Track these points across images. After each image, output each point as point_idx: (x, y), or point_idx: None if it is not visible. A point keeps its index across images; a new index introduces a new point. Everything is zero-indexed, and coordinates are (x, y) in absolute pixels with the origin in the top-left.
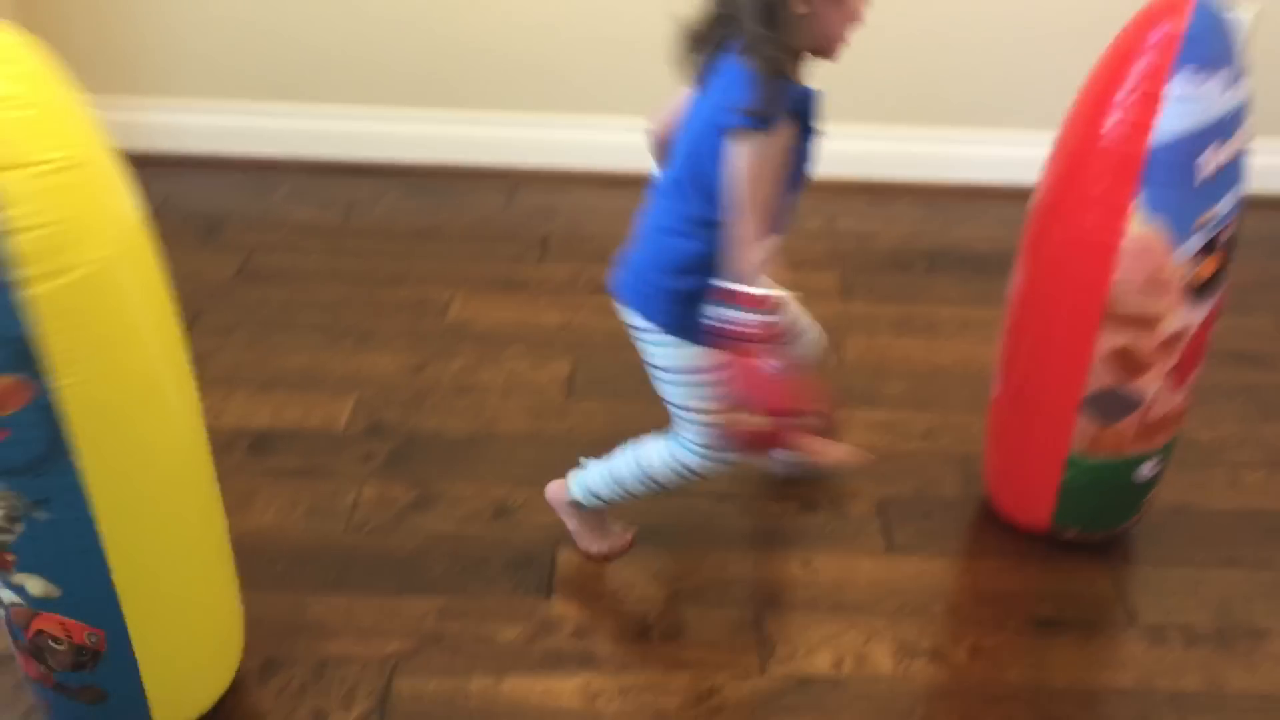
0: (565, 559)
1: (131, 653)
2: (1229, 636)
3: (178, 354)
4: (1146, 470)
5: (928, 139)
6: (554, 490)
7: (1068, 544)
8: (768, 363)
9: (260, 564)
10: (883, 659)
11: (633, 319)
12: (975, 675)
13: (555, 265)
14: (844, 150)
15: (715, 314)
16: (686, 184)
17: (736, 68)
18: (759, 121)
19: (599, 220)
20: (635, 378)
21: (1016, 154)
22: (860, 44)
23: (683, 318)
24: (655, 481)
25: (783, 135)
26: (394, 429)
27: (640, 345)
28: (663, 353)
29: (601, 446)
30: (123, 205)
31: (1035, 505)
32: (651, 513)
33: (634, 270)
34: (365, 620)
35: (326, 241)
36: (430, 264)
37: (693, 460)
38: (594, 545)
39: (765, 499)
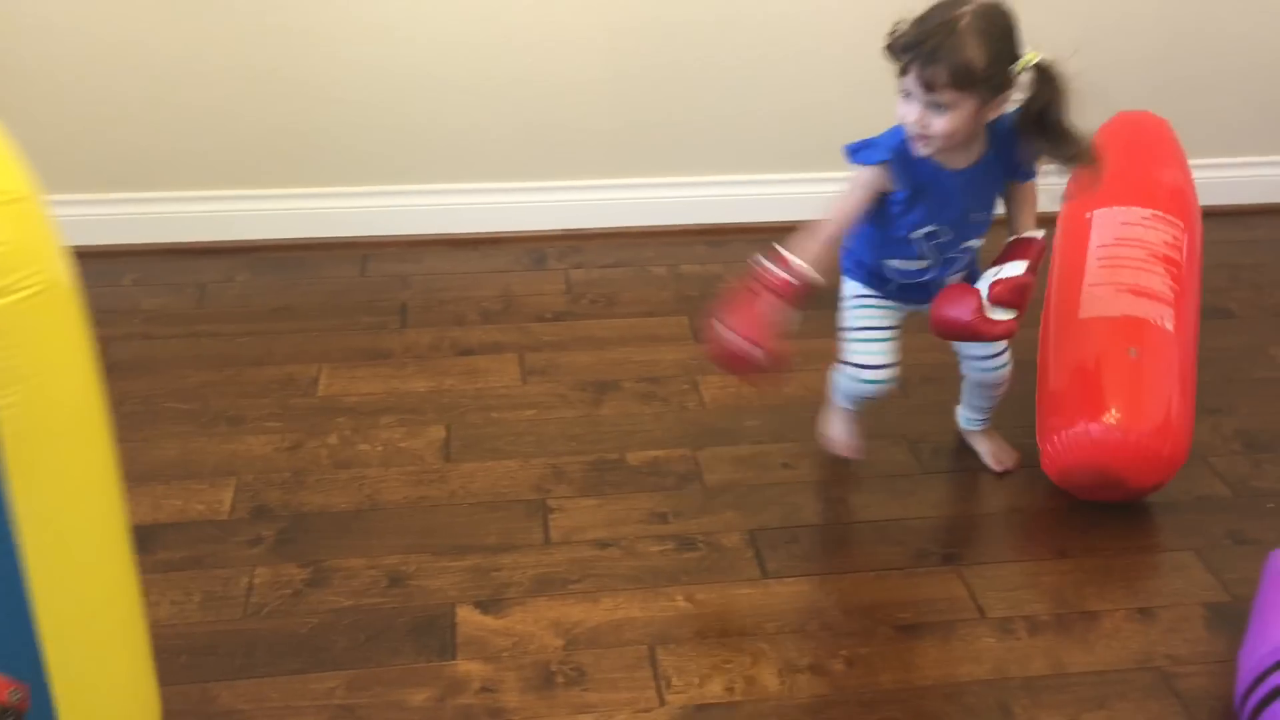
0: (464, 619)
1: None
2: (1066, 621)
3: (101, 395)
4: None
5: (760, 183)
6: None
7: (922, 554)
8: (765, 304)
9: (163, 659)
10: (769, 679)
11: None
12: (852, 684)
13: (417, 331)
14: (684, 198)
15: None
16: None
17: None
18: (852, 152)
19: (454, 283)
20: (509, 434)
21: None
22: (687, 104)
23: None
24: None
25: (869, 173)
26: (278, 510)
27: None
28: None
29: (486, 506)
30: (57, 241)
31: None
32: (542, 563)
33: None
34: (275, 702)
35: (182, 327)
36: (292, 341)
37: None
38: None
39: (646, 540)
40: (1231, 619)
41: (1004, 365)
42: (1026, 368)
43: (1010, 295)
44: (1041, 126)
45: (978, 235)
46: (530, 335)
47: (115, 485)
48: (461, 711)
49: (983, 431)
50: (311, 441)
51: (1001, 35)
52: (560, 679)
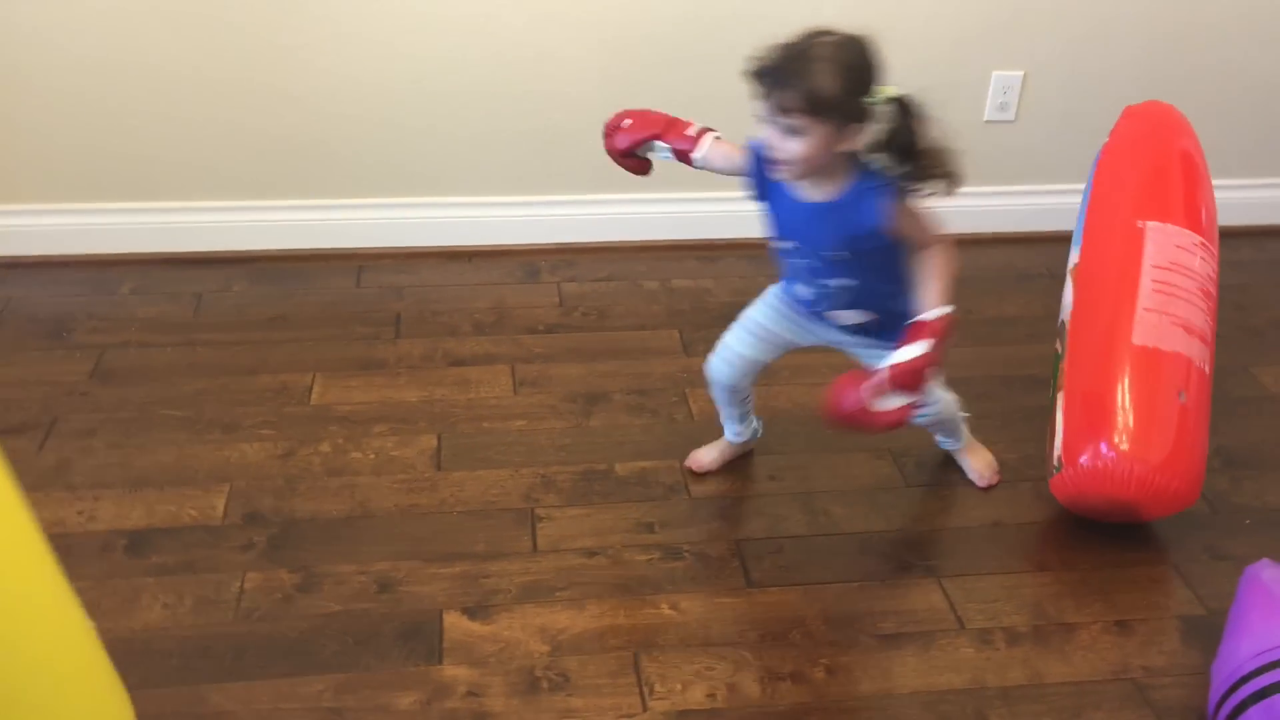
0: (451, 624)
1: None
2: (1044, 633)
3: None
4: None
5: (749, 200)
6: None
7: (903, 565)
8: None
9: (154, 661)
10: (751, 687)
11: None
12: (832, 692)
13: (410, 342)
14: (675, 214)
15: None
16: None
17: None
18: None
19: (448, 295)
20: (500, 444)
21: None
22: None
23: None
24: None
25: (742, 150)
26: (270, 516)
27: None
28: None
29: (475, 515)
30: None
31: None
32: (529, 571)
33: None
34: (264, 704)
35: (179, 335)
36: (286, 350)
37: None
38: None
39: (632, 549)
40: (1206, 632)
41: (928, 415)
42: (1028, 383)
43: (902, 380)
44: (904, 156)
45: (849, 277)
46: (522, 347)
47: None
48: (447, 715)
49: (964, 448)
50: (304, 449)
51: (858, 66)
52: (545, 684)
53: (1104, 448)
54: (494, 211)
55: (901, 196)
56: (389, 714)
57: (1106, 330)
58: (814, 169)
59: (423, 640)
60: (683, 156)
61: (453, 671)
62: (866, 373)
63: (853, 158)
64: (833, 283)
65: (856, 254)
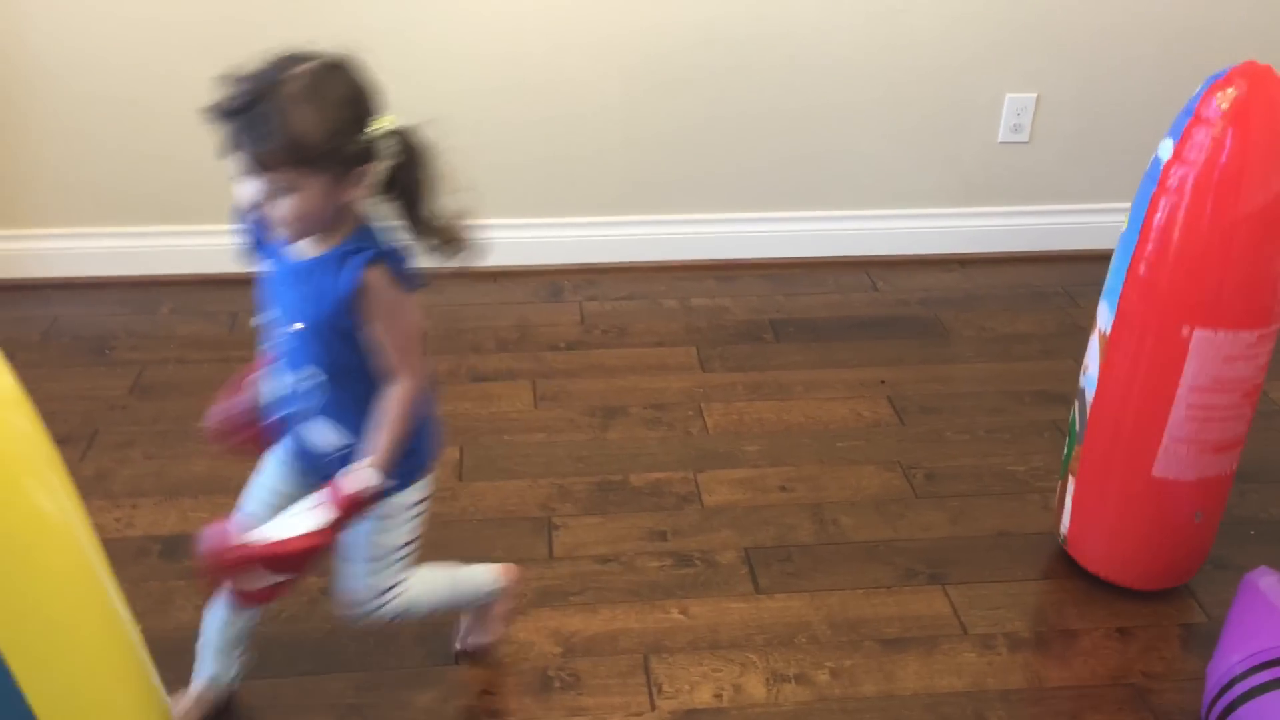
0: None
1: None
2: (1046, 639)
3: (67, 484)
4: None
5: (768, 220)
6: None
7: (909, 573)
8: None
9: (185, 660)
10: (756, 688)
11: None
12: (836, 693)
13: (436, 358)
14: (695, 235)
15: None
16: None
17: None
18: None
19: (473, 313)
20: (520, 456)
21: (844, 229)
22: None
23: None
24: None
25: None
26: None
27: None
28: None
29: (495, 523)
30: None
31: None
32: (545, 576)
33: None
34: (289, 700)
35: (214, 352)
36: None
37: None
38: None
39: (645, 556)
40: (1207, 639)
41: (387, 609)
42: (1039, 398)
43: (274, 562)
44: (406, 203)
45: (318, 365)
46: (544, 363)
47: (99, 579)
48: (463, 712)
49: (481, 611)
50: None
51: (345, 99)
52: (557, 684)
53: (1091, 557)
54: (519, 233)
55: (391, 270)
56: (407, 710)
57: (1126, 454)
58: (318, 225)
59: (440, 642)
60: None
61: (469, 672)
62: (228, 532)
63: (356, 207)
64: (303, 373)
65: (323, 334)
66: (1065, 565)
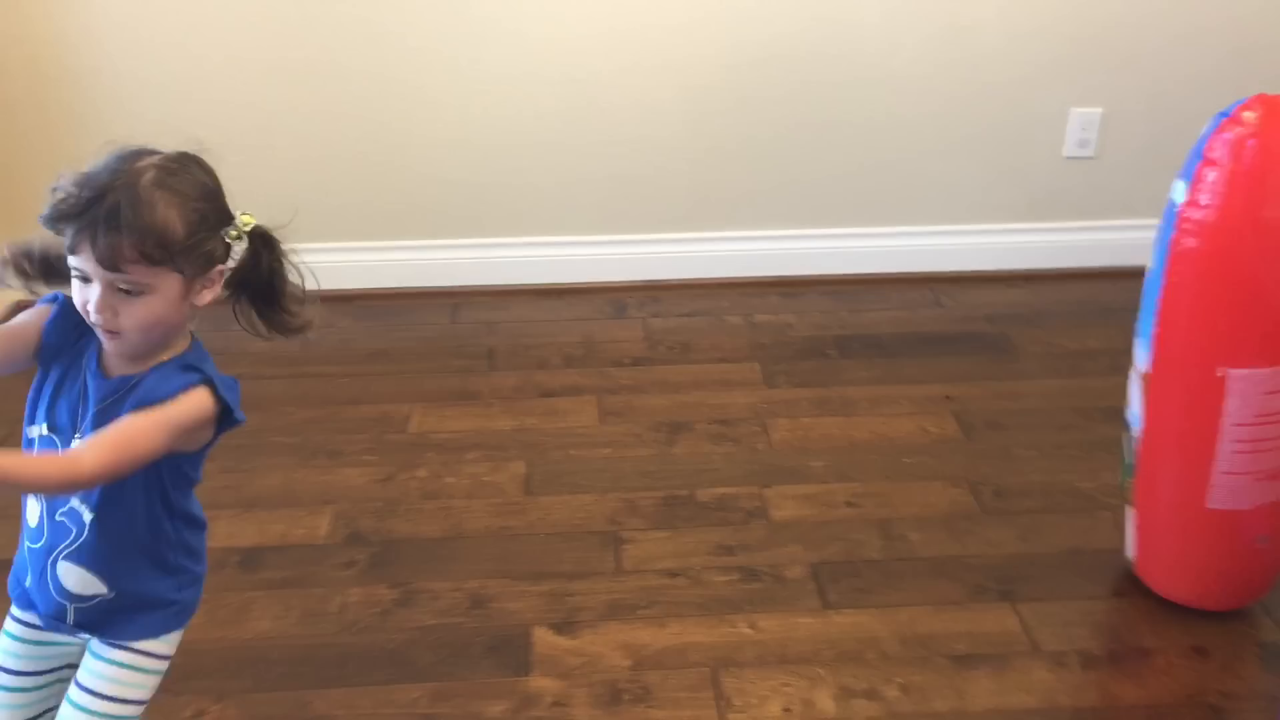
0: (539, 639)
1: None
2: (1119, 657)
3: None
4: None
5: (831, 237)
6: None
7: (979, 589)
8: None
9: (262, 667)
10: (826, 703)
11: None
12: (906, 709)
13: (503, 375)
14: (758, 251)
15: None
16: None
17: None
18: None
19: (539, 330)
20: (586, 471)
21: (909, 245)
22: (760, 161)
23: None
24: None
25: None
26: (371, 536)
27: None
28: None
29: (562, 537)
30: None
31: None
32: (613, 590)
33: None
34: (364, 709)
35: (288, 369)
36: (387, 382)
37: None
38: None
39: (712, 571)
40: None
41: None
42: (1108, 413)
43: None
44: (263, 303)
45: (85, 503)
46: (609, 379)
47: None
48: None
49: None
50: (403, 474)
51: (203, 193)
52: (627, 696)
53: (1160, 581)
54: (583, 250)
55: (219, 404)
56: None
57: (1178, 488)
58: (163, 335)
59: (512, 653)
60: None
61: (540, 683)
62: None
63: (189, 323)
64: (69, 507)
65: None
66: (1137, 583)
